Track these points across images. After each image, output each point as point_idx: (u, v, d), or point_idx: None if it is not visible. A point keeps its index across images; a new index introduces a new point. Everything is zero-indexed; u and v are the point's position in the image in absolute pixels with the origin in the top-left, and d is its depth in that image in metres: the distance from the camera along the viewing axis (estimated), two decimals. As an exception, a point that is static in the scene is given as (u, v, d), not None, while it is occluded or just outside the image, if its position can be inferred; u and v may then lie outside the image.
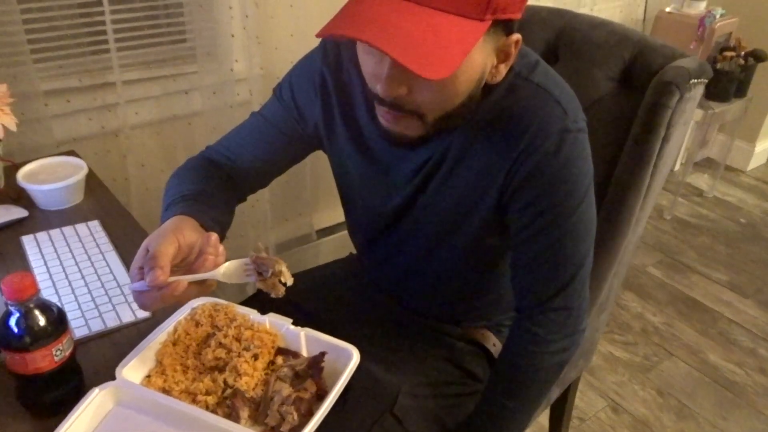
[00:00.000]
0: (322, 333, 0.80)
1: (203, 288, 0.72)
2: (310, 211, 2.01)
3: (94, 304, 0.89)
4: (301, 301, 1.14)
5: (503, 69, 0.80)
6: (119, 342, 0.84)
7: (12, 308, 0.66)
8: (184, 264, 0.74)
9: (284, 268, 0.70)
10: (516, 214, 0.87)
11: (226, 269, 0.71)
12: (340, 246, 2.06)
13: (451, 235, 0.94)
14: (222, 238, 0.88)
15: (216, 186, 0.93)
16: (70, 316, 0.87)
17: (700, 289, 2.28)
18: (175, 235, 0.72)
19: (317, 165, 1.87)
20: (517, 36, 0.77)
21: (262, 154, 0.99)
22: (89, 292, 0.92)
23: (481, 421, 0.97)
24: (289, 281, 0.71)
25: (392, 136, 0.82)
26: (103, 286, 0.93)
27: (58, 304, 0.71)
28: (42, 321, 0.67)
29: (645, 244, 2.50)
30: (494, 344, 1.10)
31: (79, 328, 0.85)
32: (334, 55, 0.93)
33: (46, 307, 0.68)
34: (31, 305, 0.67)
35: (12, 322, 0.66)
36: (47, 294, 0.91)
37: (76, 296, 0.90)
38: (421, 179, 0.91)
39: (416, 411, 0.97)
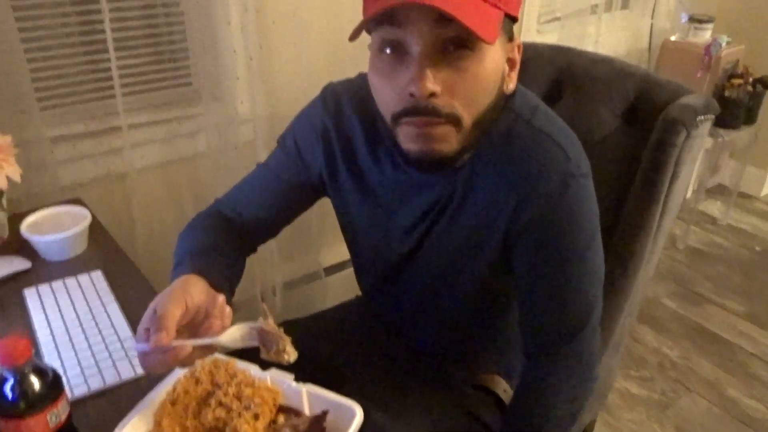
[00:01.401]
0: (324, 389, 0.78)
1: (207, 351, 0.71)
2: (317, 248, 1.99)
3: (94, 360, 0.88)
4: (306, 347, 1.11)
5: (514, 77, 0.81)
6: (118, 400, 0.82)
7: (6, 374, 0.65)
8: (191, 325, 0.73)
9: (288, 346, 0.68)
10: (521, 258, 0.85)
11: (231, 334, 0.70)
12: (348, 283, 2.02)
13: (458, 278, 0.92)
14: (233, 293, 0.87)
15: (225, 240, 0.93)
16: (69, 373, 0.85)
17: (716, 320, 2.23)
18: (183, 297, 0.71)
19: (323, 202, 1.84)
20: (518, 41, 0.80)
21: (269, 206, 0.99)
22: (89, 347, 0.90)
23: None
24: (292, 360, 0.69)
25: (423, 157, 0.78)
26: (103, 340, 0.91)
27: (53, 367, 0.69)
28: (37, 386, 0.66)
29: (658, 274, 2.46)
30: (505, 390, 1.07)
31: (77, 386, 0.83)
32: (334, 104, 0.93)
33: (41, 371, 0.67)
34: (26, 370, 0.65)
35: (6, 388, 0.65)
36: (47, 349, 0.89)
37: (76, 352, 0.89)
38: (426, 224, 0.90)
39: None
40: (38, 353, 0.89)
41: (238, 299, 0.92)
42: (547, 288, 0.84)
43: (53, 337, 0.92)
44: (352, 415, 0.74)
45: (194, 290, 0.74)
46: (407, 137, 0.77)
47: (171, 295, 0.71)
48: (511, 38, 0.79)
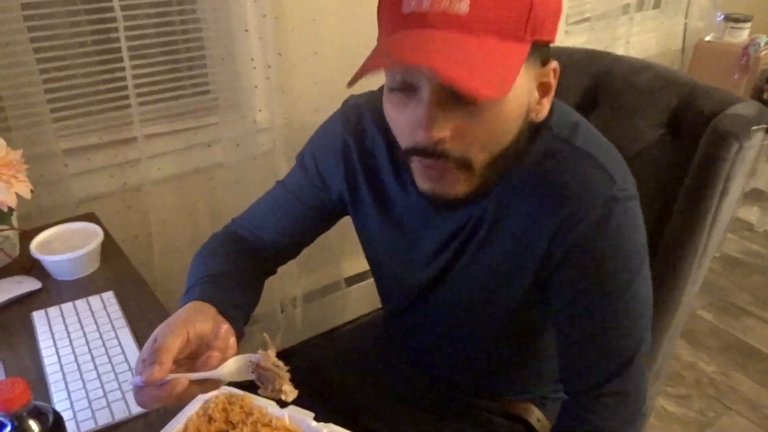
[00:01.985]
0: (345, 430, 0.72)
1: (208, 386, 0.65)
2: (337, 258, 1.94)
3: (103, 391, 0.83)
4: (325, 372, 1.06)
5: (546, 103, 0.74)
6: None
7: (3, 420, 0.60)
8: (194, 356, 0.67)
9: (286, 385, 0.62)
10: (559, 290, 0.78)
11: (229, 368, 0.64)
12: (370, 293, 1.98)
13: (486, 308, 0.86)
14: (247, 319, 0.81)
15: (240, 265, 0.88)
16: (76, 406, 0.80)
17: (756, 334, 2.13)
18: (185, 327, 0.66)
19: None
20: (554, 64, 0.72)
21: (288, 227, 0.94)
22: (98, 377, 0.85)
23: None
24: (290, 399, 0.63)
25: (435, 197, 0.74)
26: (113, 369, 0.86)
27: (55, 408, 0.64)
28: (37, 430, 0.61)
29: (693, 285, 2.35)
30: (538, 419, 1.00)
31: (84, 421, 0.78)
32: (356, 121, 0.87)
33: (40, 414, 0.62)
34: (25, 414, 0.60)
35: (4, 433, 0.60)
36: (54, 379, 0.84)
37: (84, 383, 0.84)
38: (453, 250, 0.83)
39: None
40: (44, 383, 0.84)
41: (258, 312, 0.87)
42: (589, 322, 0.77)
43: (61, 366, 0.87)
44: (377, 461, 0.68)
45: (199, 319, 0.69)
46: (418, 174, 0.73)
47: (172, 325, 0.66)
48: (545, 62, 0.71)
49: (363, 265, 2.02)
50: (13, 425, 0.60)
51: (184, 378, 0.61)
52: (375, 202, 0.87)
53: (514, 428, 0.99)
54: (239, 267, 0.87)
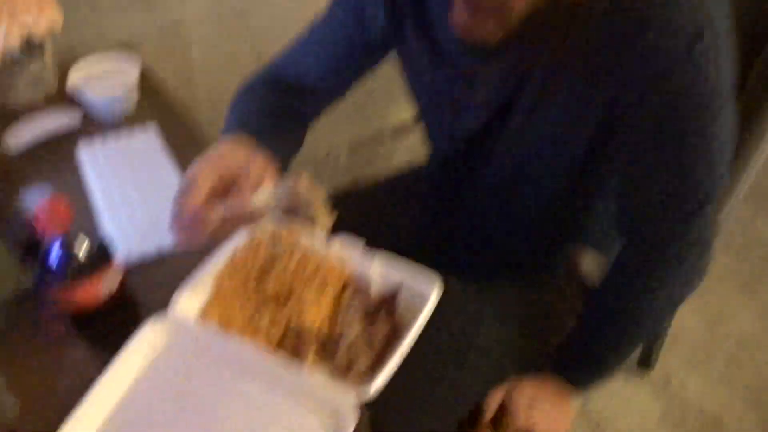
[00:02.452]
0: (398, 260, 0.70)
1: (245, 219, 0.62)
2: (383, 109, 1.87)
3: (150, 223, 0.82)
4: (369, 221, 1.03)
5: None
6: (174, 267, 0.76)
7: (52, 238, 0.59)
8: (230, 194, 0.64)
9: (318, 214, 0.58)
10: (632, 132, 0.70)
11: (264, 196, 0.60)
12: (416, 146, 1.92)
13: (545, 161, 0.79)
14: (286, 162, 0.77)
15: (281, 106, 0.82)
16: (124, 236, 0.80)
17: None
18: (220, 161, 0.64)
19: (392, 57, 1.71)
20: None
21: (329, 69, 0.86)
22: (145, 209, 0.84)
23: (576, 354, 0.87)
24: (325, 225, 0.59)
25: (467, 39, 0.67)
26: (158, 202, 0.85)
27: (101, 234, 0.63)
28: (84, 252, 0.60)
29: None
30: (588, 271, 0.97)
31: (132, 252, 0.78)
32: None
33: (87, 238, 0.61)
34: (71, 236, 0.59)
35: (53, 254, 0.59)
36: (101, 209, 0.84)
37: (131, 215, 0.83)
38: (510, 95, 0.75)
39: (499, 340, 0.89)
40: (91, 215, 0.84)
41: (300, 161, 0.83)
42: (659, 168, 0.70)
43: (108, 197, 0.86)
44: (429, 290, 0.66)
45: (233, 153, 0.65)
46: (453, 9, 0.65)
47: (206, 161, 0.64)
48: None
49: (409, 117, 1.96)
50: (60, 245, 0.59)
51: (218, 209, 0.58)
52: (421, 40, 0.78)
53: (563, 276, 0.97)
54: (279, 108, 0.82)
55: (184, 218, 0.59)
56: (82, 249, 0.60)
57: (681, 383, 1.49)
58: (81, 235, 0.60)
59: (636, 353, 1.50)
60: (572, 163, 0.77)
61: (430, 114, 0.90)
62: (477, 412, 0.90)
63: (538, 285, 0.95)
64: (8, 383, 0.61)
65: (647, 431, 1.40)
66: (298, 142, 0.82)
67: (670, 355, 1.54)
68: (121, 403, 0.60)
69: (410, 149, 1.96)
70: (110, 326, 0.65)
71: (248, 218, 0.61)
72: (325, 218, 0.58)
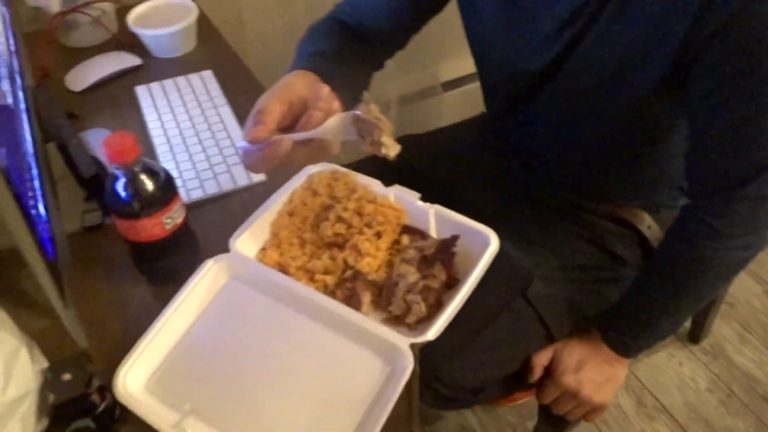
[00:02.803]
0: (455, 213, 0.69)
1: (316, 151, 0.62)
2: (435, 61, 1.82)
3: (209, 164, 0.83)
4: (425, 167, 1.02)
5: None
6: (233, 207, 0.78)
7: (117, 172, 0.60)
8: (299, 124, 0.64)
9: (385, 138, 0.56)
10: (702, 76, 0.66)
11: (331, 125, 0.59)
12: (467, 101, 1.88)
13: (610, 100, 0.76)
14: (352, 98, 0.76)
15: (348, 45, 0.81)
16: (184, 176, 0.81)
17: None
18: (287, 92, 0.63)
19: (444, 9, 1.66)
20: None
21: (392, 12, 0.84)
22: (203, 150, 0.85)
23: (629, 314, 0.85)
24: (392, 154, 0.58)
25: None
26: (217, 144, 0.86)
27: (165, 168, 0.64)
28: (149, 186, 0.61)
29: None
30: (649, 226, 0.94)
31: (193, 189, 0.79)
32: None
33: (152, 172, 0.62)
34: (136, 169, 0.60)
35: (119, 186, 0.60)
36: (162, 151, 0.85)
37: (190, 155, 0.84)
38: (576, 29, 0.72)
39: (551, 295, 0.87)
40: (152, 154, 0.85)
41: None
42: (734, 114, 0.66)
43: (167, 138, 0.87)
44: (486, 243, 0.65)
45: (301, 84, 0.65)
46: None
47: (274, 90, 0.64)
48: None
49: (462, 70, 1.91)
50: (127, 178, 0.60)
51: (287, 138, 0.58)
52: None
53: (622, 234, 0.94)
54: (346, 47, 0.80)
55: (255, 143, 0.59)
56: (148, 182, 0.61)
57: (733, 354, 1.46)
58: (146, 169, 0.61)
59: (686, 326, 1.47)
60: (635, 100, 0.74)
61: (491, 53, 0.87)
62: (525, 369, 0.90)
63: (596, 242, 0.93)
64: (78, 313, 0.64)
65: (693, 402, 1.37)
66: (362, 85, 0.81)
67: (723, 325, 1.51)
68: (185, 335, 0.62)
69: (460, 105, 1.93)
70: (173, 261, 0.67)
71: (317, 148, 0.61)
72: (392, 146, 0.57)
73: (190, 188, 0.79)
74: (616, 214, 0.94)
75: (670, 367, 1.44)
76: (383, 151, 0.56)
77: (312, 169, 0.74)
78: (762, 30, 0.61)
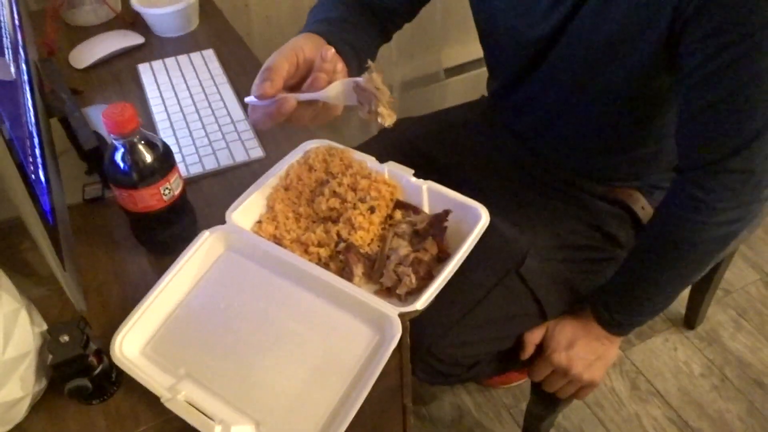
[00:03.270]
0: (446, 188, 0.70)
1: (319, 113, 0.65)
2: (438, 47, 1.83)
3: (208, 140, 0.84)
4: (424, 146, 1.04)
5: None
6: (231, 182, 0.79)
7: (116, 143, 0.61)
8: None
9: (383, 108, 0.60)
10: (693, 47, 0.67)
11: (335, 90, 0.62)
12: (469, 87, 1.88)
13: (606, 74, 0.77)
14: (359, 64, 0.78)
15: (357, 14, 0.83)
16: (184, 151, 0.83)
17: None
18: (294, 52, 0.66)
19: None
20: None
21: None
22: (203, 127, 0.86)
23: (620, 292, 0.86)
24: (387, 123, 0.60)
25: None
26: (216, 121, 0.87)
27: (164, 140, 0.65)
28: (148, 158, 0.62)
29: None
30: (643, 207, 0.95)
31: (192, 165, 0.81)
32: None
33: (151, 143, 0.63)
34: (135, 140, 0.62)
35: (117, 157, 0.62)
36: (162, 126, 0.87)
37: (190, 131, 0.86)
38: (571, 2, 0.73)
39: (545, 273, 0.88)
40: (154, 131, 0.86)
41: None
42: (723, 85, 0.67)
43: (168, 115, 0.89)
44: (477, 218, 0.66)
45: (307, 46, 0.68)
46: None
47: (283, 49, 0.67)
48: None
49: (464, 57, 1.91)
50: (125, 148, 0.61)
51: (293, 97, 0.61)
52: None
53: (616, 213, 0.95)
54: (354, 15, 0.83)
55: (262, 99, 0.62)
56: (146, 153, 0.62)
57: (727, 340, 1.47)
58: (145, 140, 0.62)
59: (681, 312, 1.48)
60: (630, 75, 0.75)
61: (496, 23, 0.88)
62: (517, 346, 0.91)
63: (591, 222, 0.94)
64: (78, 280, 0.66)
65: (687, 387, 1.39)
66: (368, 53, 0.82)
67: (719, 311, 1.52)
68: (181, 303, 0.63)
69: (462, 91, 1.93)
70: (171, 232, 0.69)
71: (320, 109, 0.64)
72: (387, 116, 0.60)
73: (189, 163, 0.81)
74: (612, 195, 0.95)
75: (665, 351, 1.45)
76: (379, 120, 0.58)
77: (308, 145, 0.75)
78: (749, 3, 0.62)
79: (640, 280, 0.83)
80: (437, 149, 1.03)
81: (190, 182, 0.78)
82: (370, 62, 0.61)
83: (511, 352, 0.92)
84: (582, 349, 0.88)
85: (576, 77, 0.81)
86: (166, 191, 0.65)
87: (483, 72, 1.02)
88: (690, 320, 1.48)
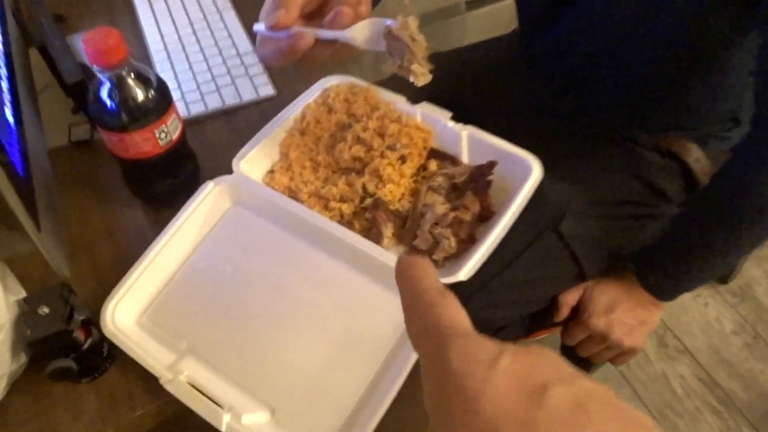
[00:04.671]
0: (490, 134, 0.60)
1: (340, 52, 0.53)
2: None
3: (211, 75, 0.74)
4: (448, 88, 0.92)
5: None
6: (238, 124, 0.69)
7: (101, 76, 0.51)
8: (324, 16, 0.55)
9: (416, 65, 0.48)
10: None
11: (360, 31, 0.50)
12: (493, 21, 1.75)
13: (660, 13, 0.65)
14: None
15: None
16: (183, 88, 0.72)
17: None
18: None
19: None
20: None
21: None
22: (205, 60, 0.76)
23: (669, 253, 0.77)
24: (420, 83, 0.49)
25: None
26: (220, 53, 0.76)
27: (159, 74, 0.55)
28: (139, 94, 0.52)
29: None
30: (697, 159, 0.85)
31: (193, 103, 0.70)
32: None
33: (143, 77, 0.53)
34: (123, 73, 0.51)
35: (103, 93, 0.52)
36: (158, 58, 0.76)
37: (191, 65, 0.75)
38: None
39: (584, 230, 0.79)
40: (150, 64, 0.76)
41: None
42: None
43: (165, 45, 0.78)
44: (527, 171, 0.56)
45: None
46: None
47: None
48: None
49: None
50: (112, 83, 0.51)
51: (311, 33, 0.49)
52: None
53: (666, 166, 0.85)
54: None
55: (275, 30, 0.51)
56: (137, 89, 0.52)
57: (761, 296, 1.39)
58: (136, 74, 0.52)
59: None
60: (690, 12, 0.64)
61: None
62: (552, 307, 0.83)
63: (636, 174, 0.84)
64: (61, 238, 0.57)
65: (717, 345, 1.32)
66: None
67: (754, 266, 1.43)
68: (182, 266, 0.55)
69: (485, 26, 1.79)
70: (170, 183, 0.59)
71: (341, 49, 0.52)
72: (421, 75, 0.49)
73: (190, 101, 0.71)
74: (661, 145, 0.85)
75: (695, 307, 1.38)
76: (411, 78, 0.47)
77: (327, 81, 0.65)
78: None
79: (694, 245, 0.74)
80: (461, 91, 0.92)
81: (190, 124, 0.68)
82: (407, 2, 0.49)
83: (542, 313, 0.84)
84: (623, 314, 0.81)
85: (624, 14, 0.69)
86: (162, 135, 0.55)
87: (508, 5, 0.90)
88: (723, 279, 1.40)
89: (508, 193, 0.56)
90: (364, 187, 0.57)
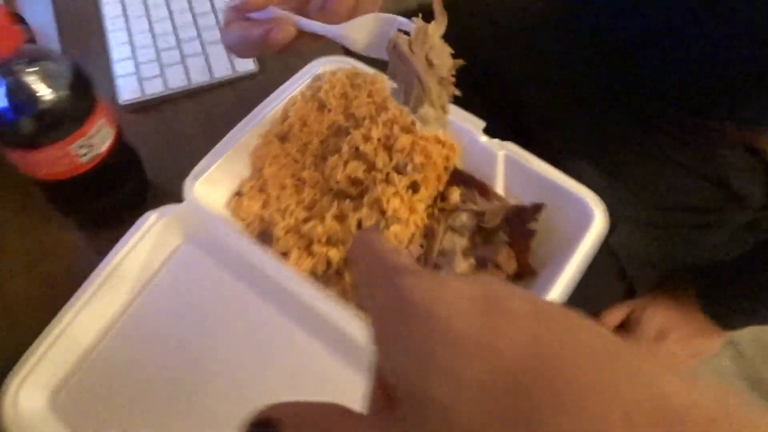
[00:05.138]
0: (538, 158, 0.44)
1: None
2: None
3: (176, 40, 0.57)
4: (474, 53, 0.74)
5: None
6: (206, 109, 0.54)
7: (-12, 71, 0.36)
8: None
9: (428, 107, 0.32)
10: None
11: (359, 29, 0.34)
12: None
13: None
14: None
15: None
16: (139, 56, 0.56)
17: None
18: None
19: None
20: None
21: None
22: (171, 18, 0.59)
23: (747, 279, 0.64)
24: (431, 128, 0.33)
25: None
26: (195, 21, 0.59)
27: (78, 63, 0.39)
28: (45, 95, 0.37)
29: None
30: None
31: (149, 80, 0.54)
32: None
33: (51, 73, 0.37)
34: (17, 68, 0.36)
35: (-6, 94, 0.36)
36: (114, 26, 0.59)
37: (151, 25, 0.58)
38: None
39: (636, 241, 0.67)
40: (102, 32, 0.59)
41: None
42: None
43: (123, 9, 0.61)
44: (586, 217, 0.41)
45: None
46: None
47: None
48: None
49: None
50: (5, 84, 0.36)
51: (293, 20, 0.34)
52: None
53: (746, 165, 0.69)
54: None
55: (245, 11, 0.37)
56: (41, 87, 0.37)
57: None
58: (38, 66, 0.37)
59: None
60: None
61: None
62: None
63: (707, 175, 0.68)
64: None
65: (762, 337, 1.20)
66: None
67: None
68: (111, 327, 0.41)
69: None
70: (106, 201, 0.45)
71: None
72: (438, 119, 0.32)
73: (145, 77, 0.54)
74: (741, 139, 0.68)
75: None
76: (418, 120, 0.31)
77: (320, 65, 0.48)
78: None
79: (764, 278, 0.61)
80: (491, 58, 0.74)
81: (144, 107, 0.53)
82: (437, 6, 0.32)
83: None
84: (675, 344, 0.69)
85: None
86: (84, 150, 0.40)
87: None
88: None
89: (556, 243, 0.40)
90: (360, 225, 0.42)
